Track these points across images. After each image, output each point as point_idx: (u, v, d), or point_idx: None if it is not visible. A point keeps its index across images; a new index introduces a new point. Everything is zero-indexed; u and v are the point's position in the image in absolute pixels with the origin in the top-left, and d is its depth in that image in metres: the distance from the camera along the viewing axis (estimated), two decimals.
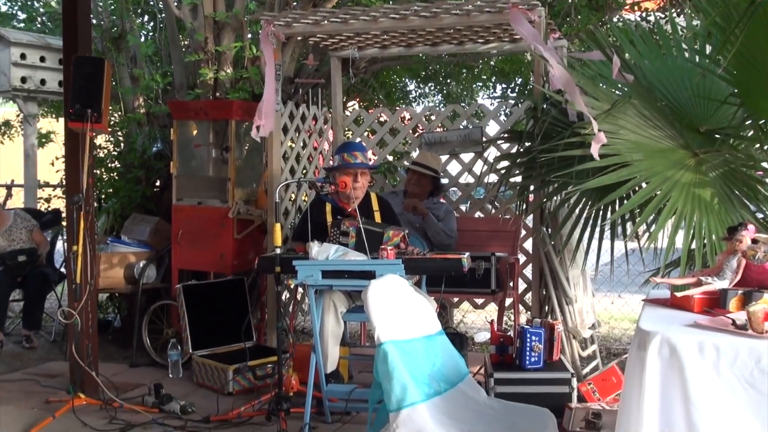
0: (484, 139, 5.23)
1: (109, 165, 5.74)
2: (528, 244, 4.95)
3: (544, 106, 3.98)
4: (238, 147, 5.13)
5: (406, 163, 5.50)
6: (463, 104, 7.16)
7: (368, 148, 5.72)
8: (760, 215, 3.21)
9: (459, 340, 4.23)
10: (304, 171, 5.45)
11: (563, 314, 4.30)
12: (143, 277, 5.10)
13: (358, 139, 5.81)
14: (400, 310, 2.68)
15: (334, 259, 3.47)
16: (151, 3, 6.31)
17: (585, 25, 5.26)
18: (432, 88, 8.40)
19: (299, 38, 5.23)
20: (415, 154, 5.53)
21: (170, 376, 4.52)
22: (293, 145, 5.31)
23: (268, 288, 4.89)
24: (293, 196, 5.28)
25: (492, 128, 5.30)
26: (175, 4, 5.40)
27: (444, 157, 5.29)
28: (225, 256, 4.92)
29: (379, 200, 4.27)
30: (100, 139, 5.87)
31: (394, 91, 7.86)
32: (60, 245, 5.44)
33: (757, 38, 2.89)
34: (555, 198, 4.16)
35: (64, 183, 5.35)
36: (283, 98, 4.94)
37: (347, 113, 6.05)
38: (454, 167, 5.41)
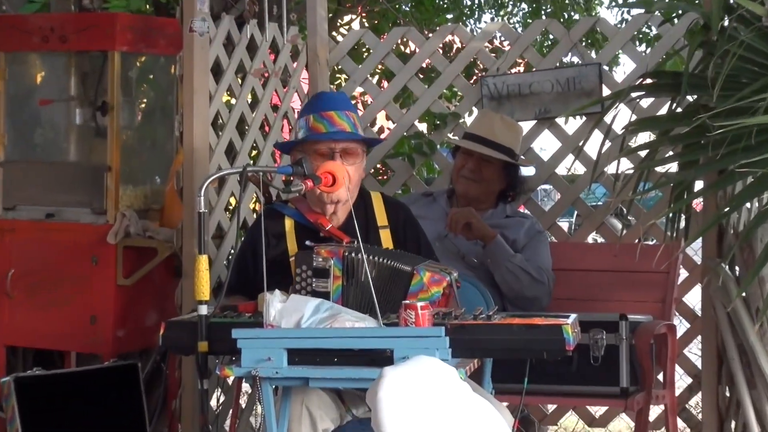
0: (604, 89, 5.29)
1: None
2: (694, 297, 4.95)
3: (725, 22, 4.02)
4: (128, 106, 5.22)
5: (452, 136, 5.55)
6: (564, 20, 7.23)
7: (379, 106, 5.76)
8: None
9: None
10: (254, 151, 5.52)
11: None
12: None
13: (358, 90, 5.86)
14: (442, 429, 2.73)
15: (312, 327, 3.53)
16: None
17: None
18: None
19: None
20: (470, 120, 5.57)
21: None
22: (233, 100, 5.37)
23: (184, 383, 4.92)
24: (233, 200, 5.39)
25: (622, 66, 5.43)
26: None
27: (527, 125, 5.37)
28: (100, 319, 5.03)
29: (389, 207, 4.35)
30: None
31: None
32: None
33: None
34: (749, 206, 4.20)
35: None
36: (213, 9, 5.05)
37: (337, 38, 6.17)
38: (546, 144, 5.52)
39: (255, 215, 5.17)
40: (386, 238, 4.26)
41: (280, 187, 4.55)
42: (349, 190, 4.09)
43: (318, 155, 4.10)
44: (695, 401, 5.04)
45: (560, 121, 5.54)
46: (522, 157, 5.28)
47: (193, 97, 4.91)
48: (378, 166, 5.94)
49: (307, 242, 4.03)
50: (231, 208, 5.48)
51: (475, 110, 5.57)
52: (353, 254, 3.86)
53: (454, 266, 4.26)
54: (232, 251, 5.16)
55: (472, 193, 5.10)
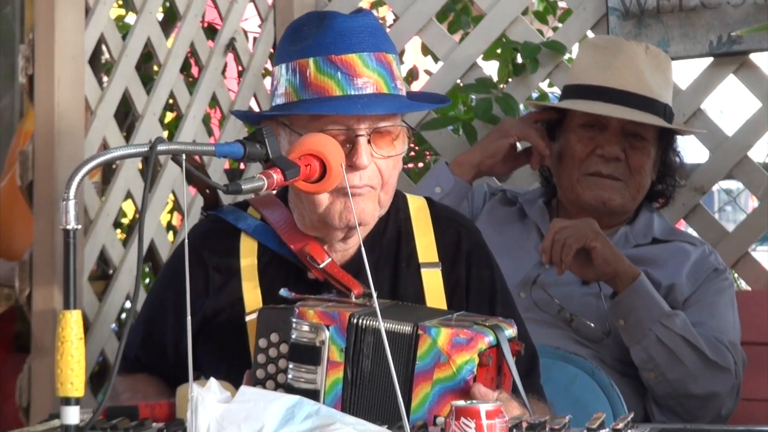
0: None
1: None
2: None
3: None
4: None
5: (548, 89, 5.27)
6: None
7: (410, 29, 5.13)
8: None
9: None
10: (170, 113, 5.29)
11: None
12: None
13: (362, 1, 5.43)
14: None
15: None
16: None
17: None
18: None
19: None
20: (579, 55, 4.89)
21: None
22: (130, 17, 5.11)
23: None
24: (131, 206, 5.10)
25: None
26: None
27: (696, 66, 4.82)
28: None
29: (442, 227, 3.65)
30: None
31: None
32: None
33: None
34: None
35: None
36: None
37: None
38: (731, 103, 4.83)
39: (173, 237, 4.80)
40: (434, 286, 3.43)
41: (220, 183, 3.58)
42: (381, 203, 3.37)
43: (323, 136, 3.38)
44: None
45: (758, 58, 4.66)
46: (674, 114, 4.40)
47: (54, 11, 4.25)
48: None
49: (283, 291, 3.32)
50: (127, 222, 5.11)
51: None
52: (368, 321, 3.19)
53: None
54: (129, 305, 4.82)
55: (615, 203, 4.15)
